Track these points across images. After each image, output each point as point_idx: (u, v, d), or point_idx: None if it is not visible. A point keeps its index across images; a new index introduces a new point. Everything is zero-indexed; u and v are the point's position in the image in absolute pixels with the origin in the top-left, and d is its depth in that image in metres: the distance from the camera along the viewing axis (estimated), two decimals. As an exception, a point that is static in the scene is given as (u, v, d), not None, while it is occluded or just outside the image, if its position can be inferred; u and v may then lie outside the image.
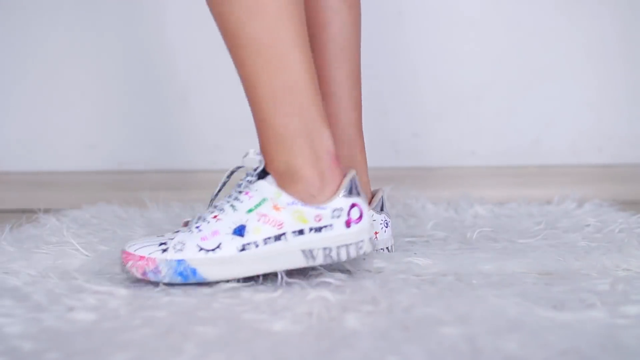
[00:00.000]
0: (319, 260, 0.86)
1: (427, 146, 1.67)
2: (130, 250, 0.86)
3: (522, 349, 0.64)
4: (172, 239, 0.87)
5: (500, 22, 1.68)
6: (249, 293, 0.82)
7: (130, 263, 0.85)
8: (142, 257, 0.84)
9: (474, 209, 1.39)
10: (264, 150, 0.88)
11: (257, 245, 0.85)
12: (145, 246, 0.85)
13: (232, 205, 0.86)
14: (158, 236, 0.89)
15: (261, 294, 0.82)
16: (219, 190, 0.93)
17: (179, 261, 0.84)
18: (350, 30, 1.04)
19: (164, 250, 0.85)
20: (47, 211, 1.30)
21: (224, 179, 0.93)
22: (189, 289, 0.84)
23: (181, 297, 0.81)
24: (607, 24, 1.66)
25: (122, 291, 0.83)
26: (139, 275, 0.85)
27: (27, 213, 1.33)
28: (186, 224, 0.90)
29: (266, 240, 0.85)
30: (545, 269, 0.92)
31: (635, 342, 0.66)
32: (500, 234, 1.15)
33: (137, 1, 1.68)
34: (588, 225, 1.20)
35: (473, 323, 0.70)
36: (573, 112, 1.68)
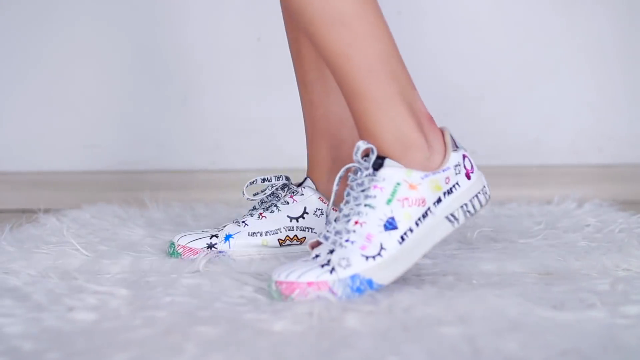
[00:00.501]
0: (461, 219, 0.88)
1: (427, 146, 1.67)
2: (290, 278, 0.79)
3: (522, 349, 0.64)
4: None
5: (500, 22, 1.68)
6: (250, 293, 0.82)
7: (297, 292, 0.78)
8: (310, 283, 0.78)
9: (474, 209, 1.39)
10: (368, 132, 0.86)
11: (412, 231, 0.83)
12: (308, 270, 0.80)
13: (367, 205, 0.83)
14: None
15: (262, 294, 0.82)
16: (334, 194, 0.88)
17: (353, 277, 0.79)
18: None
19: (331, 271, 0.79)
20: (47, 211, 1.30)
21: (337, 179, 0.87)
22: (190, 289, 0.84)
23: (182, 297, 0.81)
24: (606, 24, 1.66)
25: (123, 291, 0.82)
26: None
27: (27, 213, 1.33)
28: (315, 244, 0.85)
29: (417, 222, 0.84)
30: (545, 269, 0.92)
31: (636, 342, 0.66)
32: (500, 234, 1.15)
33: (137, 2, 1.68)
34: (588, 225, 1.20)
35: (473, 323, 0.70)
36: (573, 112, 1.68)
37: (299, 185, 1.07)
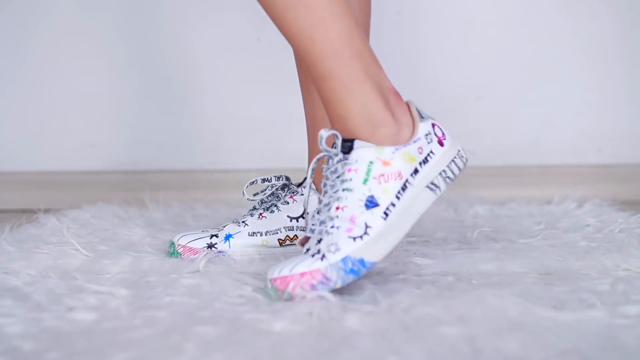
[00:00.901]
0: (442, 186, 0.89)
1: (427, 146, 1.67)
2: (283, 273, 0.79)
3: (522, 349, 0.64)
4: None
5: (500, 22, 1.68)
6: (250, 293, 0.82)
7: (291, 285, 0.78)
8: (303, 274, 0.79)
9: (474, 209, 1.39)
10: (336, 114, 0.87)
11: (394, 205, 0.84)
12: (299, 262, 0.80)
13: (344, 189, 0.83)
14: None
15: (262, 294, 0.82)
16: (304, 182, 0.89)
17: (344, 259, 0.80)
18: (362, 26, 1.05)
19: (322, 258, 0.79)
20: (47, 211, 1.30)
21: (310, 171, 0.89)
22: (190, 289, 0.84)
23: (182, 297, 0.81)
24: (606, 24, 1.66)
25: (123, 291, 0.82)
26: (307, 294, 0.78)
27: (27, 213, 1.33)
28: (305, 240, 0.85)
29: (398, 195, 0.84)
30: (545, 269, 0.92)
31: (635, 342, 0.66)
32: (500, 234, 1.15)
33: (137, 2, 1.68)
34: (588, 225, 1.20)
35: (473, 323, 0.70)
36: (573, 112, 1.68)
37: (299, 185, 1.07)
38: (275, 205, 1.05)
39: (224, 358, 0.63)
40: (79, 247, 1.02)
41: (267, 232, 1.03)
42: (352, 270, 0.80)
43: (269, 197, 1.07)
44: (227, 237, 1.02)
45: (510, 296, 0.78)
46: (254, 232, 1.03)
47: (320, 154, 0.87)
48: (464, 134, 1.68)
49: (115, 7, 1.68)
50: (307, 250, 0.82)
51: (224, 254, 1.01)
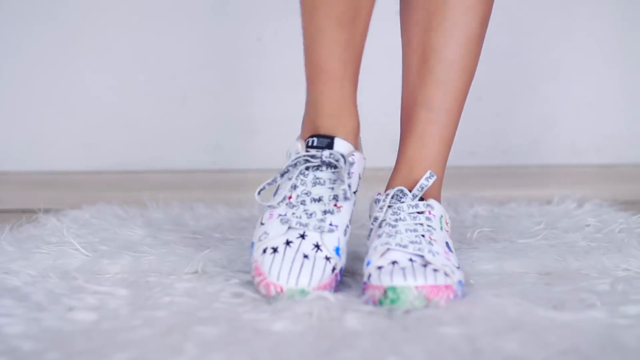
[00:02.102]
0: None
1: (427, 146, 1.67)
2: (429, 282, 0.77)
3: (522, 349, 0.64)
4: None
5: (500, 22, 1.68)
6: (249, 293, 0.82)
7: (440, 295, 0.77)
8: (448, 286, 0.78)
9: (474, 209, 1.39)
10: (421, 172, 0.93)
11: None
12: (428, 274, 0.78)
13: (429, 226, 0.86)
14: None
15: (261, 294, 0.82)
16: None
17: (460, 282, 0.81)
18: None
19: (446, 275, 0.79)
20: (47, 211, 1.30)
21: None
22: (190, 289, 0.84)
23: (181, 297, 0.81)
24: (606, 24, 1.66)
25: (122, 291, 0.82)
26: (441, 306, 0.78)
27: (27, 213, 1.33)
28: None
29: None
30: (545, 269, 0.92)
31: (635, 342, 0.66)
32: (500, 234, 1.15)
33: (137, 2, 1.68)
34: (588, 225, 1.20)
35: (473, 323, 0.70)
36: (573, 112, 1.68)
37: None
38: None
39: (223, 358, 0.63)
40: (79, 247, 1.02)
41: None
42: (461, 294, 0.81)
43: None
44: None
45: (510, 296, 0.78)
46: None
47: (399, 187, 0.89)
48: (464, 134, 1.68)
49: (115, 6, 1.68)
50: (394, 262, 0.80)
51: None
